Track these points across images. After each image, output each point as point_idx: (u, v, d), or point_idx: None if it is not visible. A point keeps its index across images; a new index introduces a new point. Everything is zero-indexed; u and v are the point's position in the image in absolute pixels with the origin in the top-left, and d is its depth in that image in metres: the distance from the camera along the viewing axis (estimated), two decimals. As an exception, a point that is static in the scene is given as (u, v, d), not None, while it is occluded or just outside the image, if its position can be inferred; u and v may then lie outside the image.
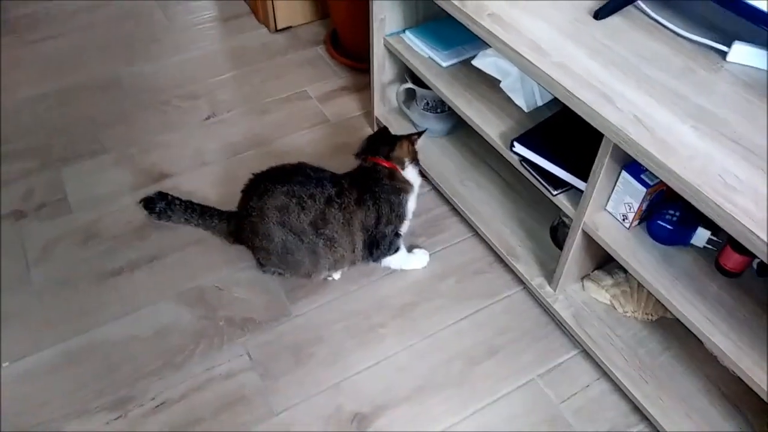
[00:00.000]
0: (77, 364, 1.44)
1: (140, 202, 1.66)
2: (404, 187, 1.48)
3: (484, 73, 1.54)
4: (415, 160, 1.51)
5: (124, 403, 1.38)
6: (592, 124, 1.13)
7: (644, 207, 1.22)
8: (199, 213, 1.60)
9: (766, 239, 0.91)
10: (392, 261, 1.57)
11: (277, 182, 1.42)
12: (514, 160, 1.41)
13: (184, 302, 1.55)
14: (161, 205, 1.62)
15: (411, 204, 1.51)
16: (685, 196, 1.00)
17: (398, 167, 1.47)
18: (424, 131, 1.56)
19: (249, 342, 1.48)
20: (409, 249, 1.62)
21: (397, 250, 1.54)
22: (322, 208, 1.40)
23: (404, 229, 1.53)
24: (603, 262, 1.50)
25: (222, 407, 1.38)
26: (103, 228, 1.71)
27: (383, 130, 1.56)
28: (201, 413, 1.36)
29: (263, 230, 1.43)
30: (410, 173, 1.50)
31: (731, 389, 1.32)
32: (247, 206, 1.46)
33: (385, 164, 1.46)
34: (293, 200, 1.40)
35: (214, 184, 1.83)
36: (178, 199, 1.62)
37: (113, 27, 2.41)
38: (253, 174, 1.49)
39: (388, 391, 1.40)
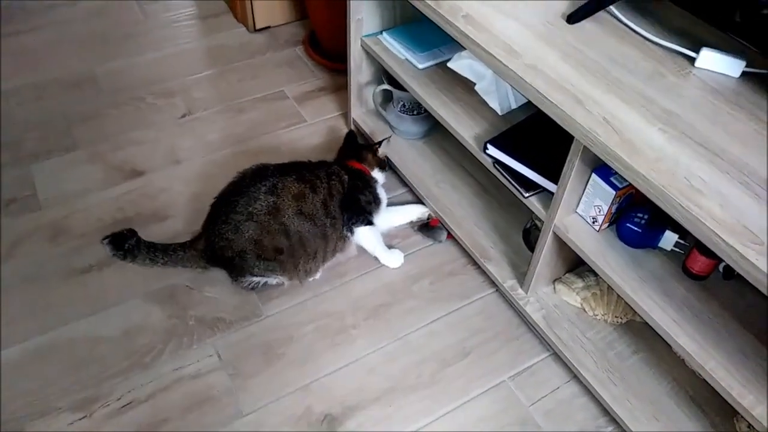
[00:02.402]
0: (42, 363, 1.41)
1: (105, 239, 1.53)
2: (372, 180, 1.64)
3: (460, 75, 1.55)
4: (380, 166, 1.66)
5: (90, 403, 1.35)
6: (563, 125, 1.13)
7: (614, 210, 1.23)
8: (162, 250, 1.53)
9: (730, 242, 0.92)
10: (366, 239, 1.57)
11: (282, 175, 1.47)
12: (488, 162, 1.42)
13: (154, 301, 1.53)
14: (131, 243, 1.52)
15: (380, 191, 1.64)
16: (652, 198, 1.01)
17: (369, 169, 1.64)
18: (384, 140, 1.70)
19: (219, 342, 1.47)
20: (384, 250, 1.63)
21: (368, 223, 1.55)
22: (327, 185, 1.50)
23: (380, 210, 1.61)
24: (574, 265, 1.51)
25: (190, 407, 1.36)
26: (73, 225, 1.69)
27: (350, 136, 1.70)
28: (168, 413, 1.34)
29: (274, 229, 1.43)
30: (377, 174, 1.67)
31: (698, 392, 1.33)
32: (228, 219, 1.44)
33: (356, 166, 1.62)
34: (307, 186, 1.46)
35: (187, 181, 1.81)
36: (143, 240, 1.54)
37: (90, 23, 2.38)
38: (238, 173, 1.51)
39: (358, 392, 1.39)
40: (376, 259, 1.62)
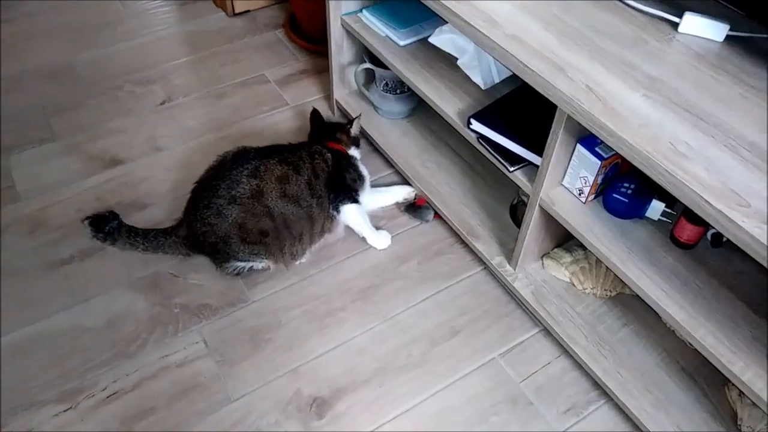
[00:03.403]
0: (24, 356, 1.38)
1: (86, 219, 1.50)
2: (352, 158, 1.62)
3: (443, 52, 1.52)
4: (355, 144, 1.64)
5: (74, 394, 1.33)
6: (545, 95, 1.11)
7: (599, 180, 1.22)
8: (143, 235, 1.50)
9: (716, 205, 0.90)
10: (353, 218, 1.55)
11: (264, 157, 1.45)
12: (472, 138, 1.40)
13: (138, 290, 1.51)
14: (112, 225, 1.49)
15: (362, 168, 1.62)
16: (637, 164, 1.00)
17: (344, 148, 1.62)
18: (356, 119, 1.65)
19: (205, 328, 1.44)
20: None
21: (354, 201, 1.54)
22: (311, 165, 1.48)
23: (365, 188, 1.60)
24: (562, 239, 1.50)
25: (177, 395, 1.34)
26: (53, 216, 1.65)
27: (315, 115, 1.67)
28: (154, 402, 1.32)
29: (258, 212, 1.40)
30: (354, 152, 1.65)
31: (689, 362, 1.32)
32: (210, 203, 1.41)
33: (334, 146, 1.59)
34: (290, 167, 1.44)
35: (168, 169, 1.78)
36: (124, 223, 1.52)
37: (66, 13, 2.33)
38: (218, 157, 1.49)
39: (347, 374, 1.38)
40: (363, 240, 1.60)
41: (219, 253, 1.46)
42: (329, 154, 1.53)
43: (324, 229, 1.52)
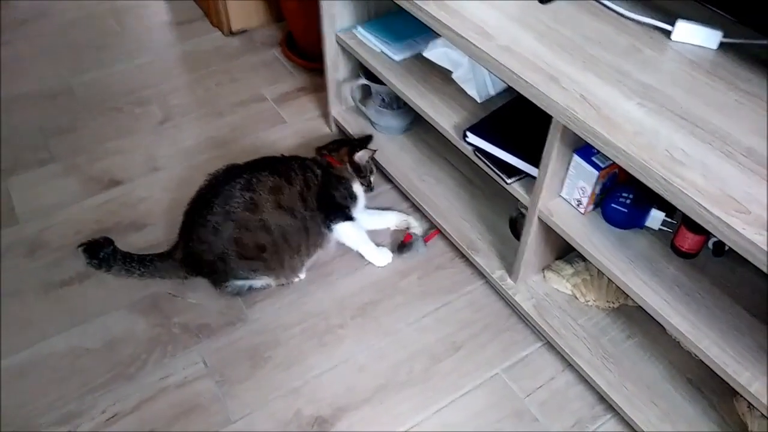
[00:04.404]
0: (22, 379, 1.37)
1: (81, 246, 1.50)
2: (345, 175, 1.55)
3: (437, 66, 1.52)
4: (356, 169, 1.57)
5: (73, 417, 1.32)
6: (539, 105, 1.11)
7: (597, 191, 1.21)
8: (138, 261, 1.49)
9: (714, 212, 0.89)
10: (347, 235, 1.54)
11: (255, 170, 1.43)
12: (468, 151, 1.39)
13: (137, 311, 1.50)
14: (107, 251, 1.48)
15: (356, 187, 1.57)
16: (633, 173, 0.99)
17: (341, 164, 1.56)
18: (369, 148, 1.59)
19: (204, 348, 1.43)
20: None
21: (347, 218, 1.52)
22: (302, 177, 1.46)
23: (357, 206, 1.57)
24: (563, 252, 1.48)
25: (176, 416, 1.32)
26: (51, 238, 1.65)
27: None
28: (154, 424, 1.31)
29: (254, 226, 1.39)
30: (356, 187, 1.58)
31: (695, 374, 1.30)
32: (205, 221, 1.39)
33: (329, 160, 1.55)
34: (282, 178, 1.42)
35: (166, 189, 1.78)
36: (119, 249, 1.51)
37: (64, 36, 2.35)
38: (208, 175, 1.47)
39: (348, 392, 1.36)
40: (362, 256, 1.59)
41: (217, 272, 1.45)
42: (319, 170, 1.51)
43: (318, 243, 1.50)
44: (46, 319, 1.48)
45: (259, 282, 1.48)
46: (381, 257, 1.59)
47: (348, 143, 1.60)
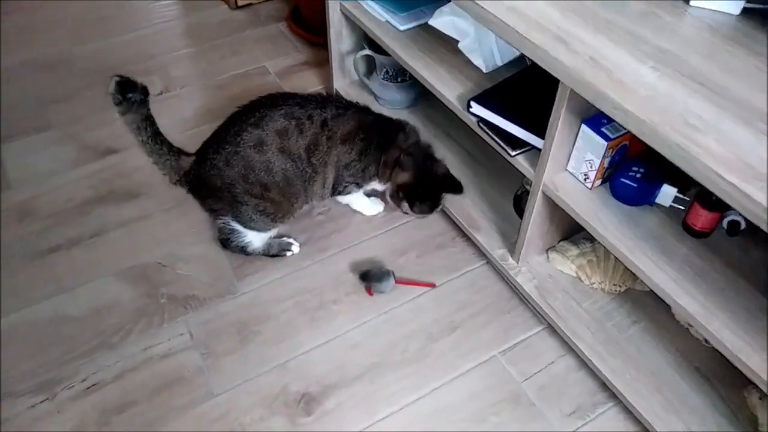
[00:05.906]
0: (4, 346, 1.33)
1: (117, 76, 1.30)
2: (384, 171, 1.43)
3: (443, 36, 1.46)
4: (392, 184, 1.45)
5: (52, 385, 1.27)
6: (546, 68, 1.04)
7: (606, 164, 1.14)
8: (153, 131, 1.35)
9: (729, 178, 0.82)
10: (347, 198, 1.53)
11: (272, 107, 1.34)
12: (472, 123, 1.33)
13: (125, 280, 1.45)
14: (136, 97, 1.30)
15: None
16: (644, 139, 0.92)
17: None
18: (456, 190, 1.44)
19: (191, 320, 1.38)
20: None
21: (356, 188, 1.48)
22: (317, 131, 1.34)
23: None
24: (569, 232, 1.42)
25: (158, 388, 1.27)
26: (42, 205, 1.61)
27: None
28: (135, 395, 1.26)
29: (260, 164, 1.31)
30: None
31: (704, 362, 1.23)
32: (220, 149, 1.32)
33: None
34: (292, 122, 1.32)
35: (162, 159, 1.73)
36: (148, 105, 1.34)
37: (67, 6, 2.31)
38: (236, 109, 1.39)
39: (339, 370, 1.31)
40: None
41: (222, 200, 1.37)
42: (341, 145, 1.38)
43: (324, 197, 1.46)
44: (32, 286, 1.43)
45: (251, 246, 1.43)
46: (372, 207, 1.59)
47: (419, 170, 1.42)
